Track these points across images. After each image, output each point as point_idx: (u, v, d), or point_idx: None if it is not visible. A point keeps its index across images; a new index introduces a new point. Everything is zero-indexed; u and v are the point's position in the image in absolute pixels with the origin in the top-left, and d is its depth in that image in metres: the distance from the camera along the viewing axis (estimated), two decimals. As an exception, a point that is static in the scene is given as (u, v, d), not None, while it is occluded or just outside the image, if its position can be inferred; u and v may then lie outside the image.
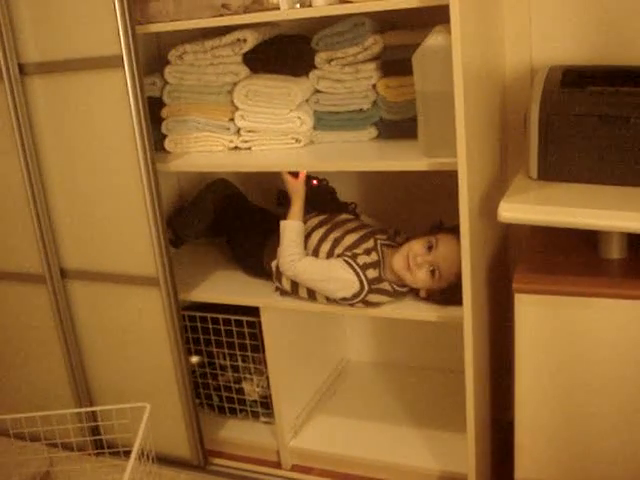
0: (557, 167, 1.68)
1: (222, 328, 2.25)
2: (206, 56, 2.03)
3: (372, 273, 1.91)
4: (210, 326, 2.27)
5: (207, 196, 2.35)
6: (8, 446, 2.33)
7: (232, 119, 2.07)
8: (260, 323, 2.12)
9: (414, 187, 2.24)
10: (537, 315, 1.64)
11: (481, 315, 1.87)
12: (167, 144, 2.15)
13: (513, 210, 1.61)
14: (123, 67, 1.86)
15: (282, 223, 2.01)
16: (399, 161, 1.81)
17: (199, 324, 2.29)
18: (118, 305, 2.17)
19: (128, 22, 1.83)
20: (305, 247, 2.02)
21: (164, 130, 2.15)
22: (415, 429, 2.24)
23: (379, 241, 1.99)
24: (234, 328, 2.22)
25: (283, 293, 2.07)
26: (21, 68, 1.99)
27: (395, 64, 1.89)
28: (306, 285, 1.99)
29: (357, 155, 1.92)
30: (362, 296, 1.91)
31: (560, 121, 1.64)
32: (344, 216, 2.13)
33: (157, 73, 2.14)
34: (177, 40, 2.07)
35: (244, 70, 2.04)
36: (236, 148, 2.10)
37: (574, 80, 1.70)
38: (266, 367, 2.19)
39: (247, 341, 2.22)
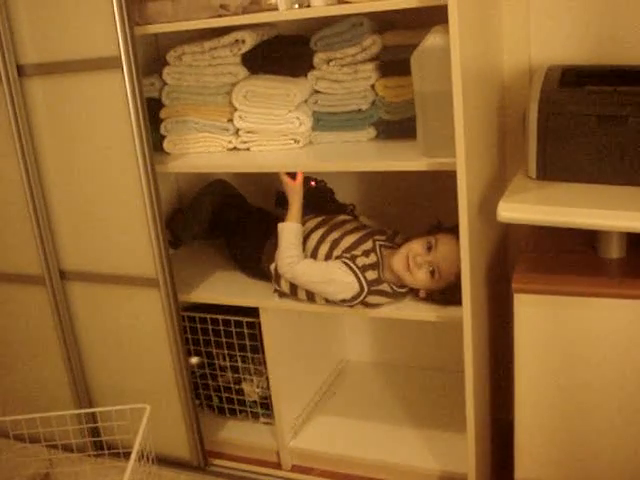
0: (556, 167, 1.68)
1: (222, 329, 2.25)
2: (204, 57, 2.03)
3: (371, 275, 1.91)
4: (210, 327, 2.27)
5: (205, 197, 2.35)
6: (8, 448, 2.33)
7: (231, 120, 2.07)
8: (259, 324, 2.12)
9: (413, 187, 2.24)
10: (536, 315, 1.64)
11: (480, 315, 1.87)
12: (166, 145, 2.15)
13: (512, 210, 1.61)
14: (122, 68, 1.86)
15: (280, 225, 2.01)
16: (398, 161, 1.81)
17: (199, 325, 2.29)
18: (117, 306, 2.17)
19: (126, 23, 1.83)
20: (303, 249, 2.02)
21: (163, 131, 2.15)
22: (415, 429, 2.24)
23: (377, 242, 1.99)
24: (234, 329, 2.23)
25: (282, 295, 2.06)
26: (20, 69, 1.99)
27: (394, 64, 1.90)
28: (305, 287, 1.98)
29: (356, 155, 1.92)
30: (361, 298, 1.91)
31: (559, 121, 1.64)
32: (342, 217, 2.13)
33: (156, 74, 2.14)
34: (176, 41, 2.07)
35: (243, 71, 2.04)
36: (235, 149, 2.10)
37: (573, 80, 1.70)
38: (266, 368, 2.19)
39: (247, 342, 2.22)
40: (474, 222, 1.73)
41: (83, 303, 2.22)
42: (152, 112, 2.04)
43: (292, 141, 2.02)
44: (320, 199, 2.15)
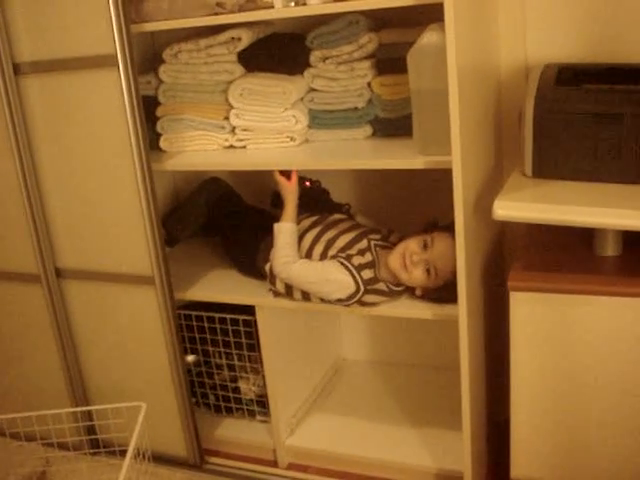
0: (552, 165, 1.68)
1: (218, 327, 2.25)
2: (201, 55, 2.03)
3: (367, 274, 1.91)
4: (206, 325, 2.27)
5: (200, 195, 2.34)
6: (4, 446, 2.33)
7: (227, 118, 2.07)
8: (256, 322, 2.12)
9: (409, 185, 2.24)
10: (532, 313, 1.64)
11: (476, 313, 1.87)
12: (162, 143, 2.15)
13: (508, 208, 1.61)
14: (118, 66, 1.85)
15: (275, 226, 2.00)
16: (394, 159, 1.81)
17: (195, 323, 2.29)
18: (113, 304, 2.17)
19: (123, 21, 1.82)
20: (298, 249, 2.01)
21: (159, 129, 2.14)
22: (411, 427, 2.24)
23: (372, 241, 1.99)
24: (230, 327, 2.22)
25: (277, 295, 2.06)
26: (15, 68, 1.98)
27: (390, 62, 1.90)
28: (300, 288, 1.98)
29: (352, 153, 1.92)
30: (358, 297, 1.91)
31: (555, 119, 1.64)
32: (337, 216, 2.13)
33: (152, 72, 2.14)
34: (172, 39, 2.07)
35: (239, 69, 2.04)
36: (231, 147, 2.10)
37: (569, 78, 1.70)
38: (262, 366, 2.19)
39: (243, 340, 2.22)
40: (470, 220, 1.73)
41: (79, 301, 2.22)
42: (148, 110, 2.04)
43: (288, 139, 2.02)
44: (315, 199, 2.15)
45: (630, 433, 1.66)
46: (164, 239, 2.11)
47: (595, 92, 1.63)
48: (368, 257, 1.95)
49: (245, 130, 2.06)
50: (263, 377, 2.22)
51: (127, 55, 1.85)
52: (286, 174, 2.01)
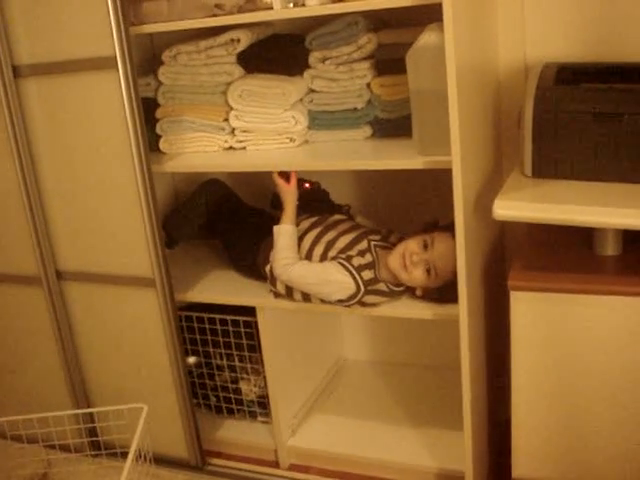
0: (551, 164, 1.68)
1: (219, 328, 2.25)
2: (200, 56, 2.03)
3: (368, 274, 1.91)
4: (207, 326, 2.27)
5: (199, 197, 2.34)
6: (5, 448, 2.33)
7: (226, 119, 2.07)
8: (256, 323, 2.12)
9: (409, 186, 2.24)
10: (533, 312, 1.64)
11: (477, 313, 1.87)
12: (162, 145, 2.15)
13: (508, 208, 1.61)
14: (117, 68, 1.85)
15: (275, 228, 2.00)
16: (394, 160, 1.81)
17: (196, 324, 2.29)
18: (114, 306, 2.17)
19: (122, 23, 1.82)
20: (298, 250, 2.01)
21: (159, 131, 2.15)
22: (412, 427, 2.24)
23: (372, 242, 1.99)
24: (231, 328, 2.22)
25: (277, 296, 2.06)
26: (15, 70, 1.98)
27: (389, 63, 1.90)
28: (301, 289, 1.98)
29: (352, 154, 1.92)
30: (358, 298, 1.91)
31: (554, 118, 1.64)
32: (336, 217, 2.12)
33: (151, 74, 2.14)
34: (171, 41, 2.07)
35: (238, 70, 2.03)
36: (231, 148, 2.10)
37: (568, 77, 1.71)
38: (263, 367, 2.19)
39: (244, 341, 2.22)
40: (470, 220, 1.73)
41: (80, 303, 2.22)
42: (148, 112, 2.04)
43: (288, 140, 2.02)
44: (315, 200, 2.15)
45: (632, 433, 1.66)
46: (164, 241, 2.11)
47: (594, 91, 1.63)
48: (368, 258, 1.95)
49: (245, 131, 2.06)
50: (264, 378, 2.22)
51: (126, 57, 1.85)
52: (285, 176, 2.01)
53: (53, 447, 2.28)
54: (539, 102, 1.65)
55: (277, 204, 2.09)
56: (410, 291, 1.95)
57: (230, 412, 2.38)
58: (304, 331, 2.38)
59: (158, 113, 2.14)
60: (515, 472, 1.80)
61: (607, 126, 1.60)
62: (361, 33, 1.90)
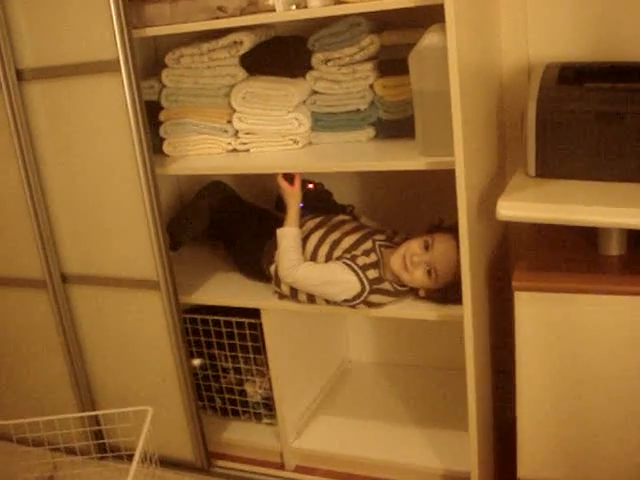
0: (555, 164, 1.68)
1: (223, 330, 2.25)
2: (203, 59, 2.03)
3: (372, 273, 1.91)
4: (211, 328, 2.27)
5: (203, 199, 2.34)
6: (12, 451, 2.34)
7: (230, 121, 2.07)
8: (261, 325, 2.12)
9: (412, 187, 2.24)
10: (537, 312, 1.64)
11: (482, 313, 1.87)
12: (165, 147, 2.15)
13: (511, 208, 1.61)
14: (120, 71, 1.86)
15: (278, 231, 2.00)
16: (397, 161, 1.81)
17: (200, 327, 2.29)
18: (119, 309, 2.18)
19: (125, 26, 1.83)
20: (303, 251, 2.01)
21: (162, 133, 2.15)
22: (418, 428, 2.24)
23: (377, 242, 1.99)
24: (235, 330, 2.23)
25: (282, 297, 2.06)
26: (19, 74, 1.99)
27: (392, 64, 1.90)
28: (306, 290, 1.98)
29: (355, 155, 1.92)
30: (363, 297, 1.91)
31: (557, 118, 1.64)
32: (341, 217, 2.13)
33: (154, 77, 2.14)
34: (174, 43, 2.07)
35: (241, 72, 2.04)
36: (234, 150, 2.10)
37: (571, 77, 1.70)
38: (268, 369, 2.19)
39: (249, 343, 2.23)
40: (474, 221, 1.73)
41: (85, 306, 2.22)
42: (151, 115, 2.04)
43: (291, 142, 2.02)
44: (319, 202, 2.15)
45: (637, 432, 1.65)
46: (168, 243, 2.11)
47: (597, 91, 1.63)
48: (373, 257, 1.95)
49: (248, 133, 2.06)
50: (269, 380, 2.22)
51: (129, 60, 1.85)
52: (289, 178, 2.01)
53: (59, 450, 2.28)
54: (542, 102, 1.65)
55: (281, 206, 2.09)
56: (414, 292, 1.95)
57: (235, 414, 2.38)
58: (309, 333, 2.38)
59: (161, 116, 2.14)
60: (520, 472, 1.80)
61: (610, 125, 1.60)
62: (363, 34, 1.91)
